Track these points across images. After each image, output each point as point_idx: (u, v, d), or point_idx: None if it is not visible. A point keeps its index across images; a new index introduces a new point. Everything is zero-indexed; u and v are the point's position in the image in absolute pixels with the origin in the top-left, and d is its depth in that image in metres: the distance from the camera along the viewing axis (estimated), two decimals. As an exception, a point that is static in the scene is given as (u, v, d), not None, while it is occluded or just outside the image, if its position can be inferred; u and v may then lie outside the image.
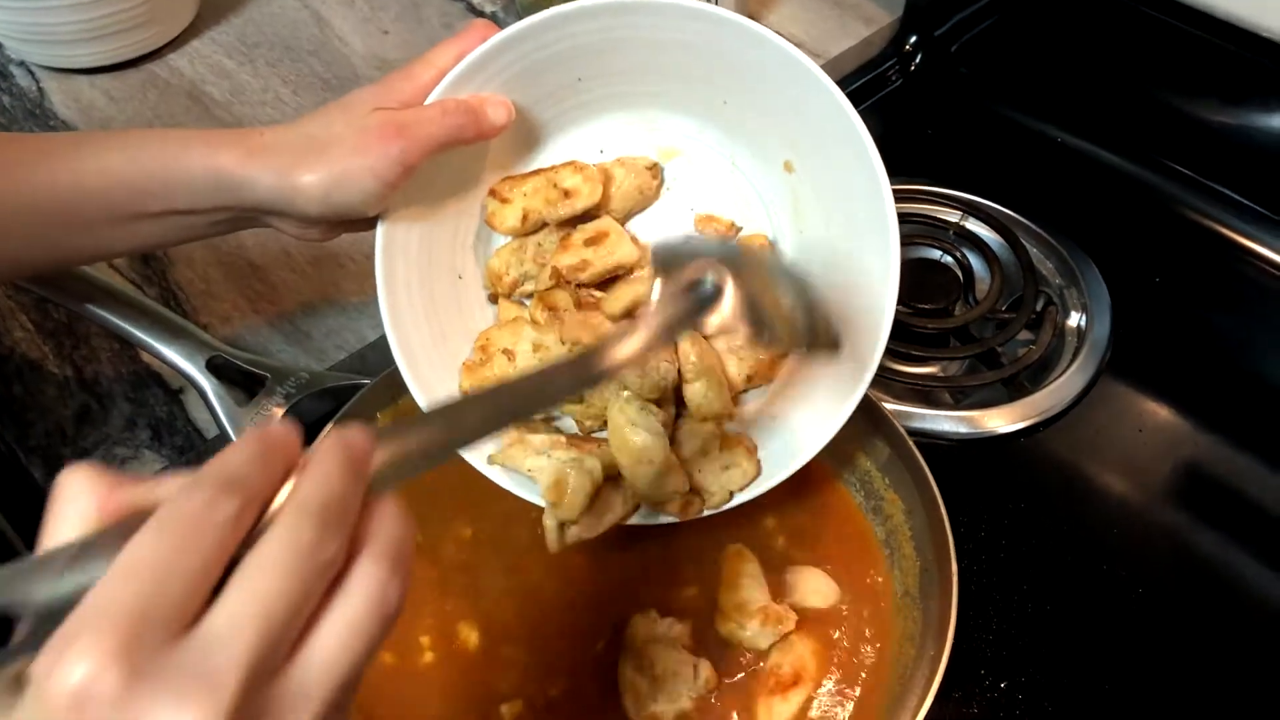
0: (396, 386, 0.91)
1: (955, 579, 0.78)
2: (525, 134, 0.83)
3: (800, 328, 0.68)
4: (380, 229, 0.77)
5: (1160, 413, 1.07)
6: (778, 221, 0.85)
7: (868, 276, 0.76)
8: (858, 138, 0.73)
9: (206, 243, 1.10)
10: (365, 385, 0.89)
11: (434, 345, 0.82)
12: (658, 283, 0.65)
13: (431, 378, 0.81)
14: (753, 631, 0.81)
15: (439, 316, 0.83)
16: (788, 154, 0.81)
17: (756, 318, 0.66)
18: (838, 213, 0.79)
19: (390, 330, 0.79)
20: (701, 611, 0.84)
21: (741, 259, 0.68)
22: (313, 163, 0.70)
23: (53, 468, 0.92)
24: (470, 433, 0.52)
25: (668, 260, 0.66)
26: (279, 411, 0.89)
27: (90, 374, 0.99)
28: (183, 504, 0.38)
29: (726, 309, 0.65)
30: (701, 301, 0.65)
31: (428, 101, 0.74)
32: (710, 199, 0.86)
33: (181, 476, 0.41)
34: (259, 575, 0.38)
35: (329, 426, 0.86)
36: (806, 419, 0.82)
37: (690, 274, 0.65)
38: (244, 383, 0.95)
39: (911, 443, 0.85)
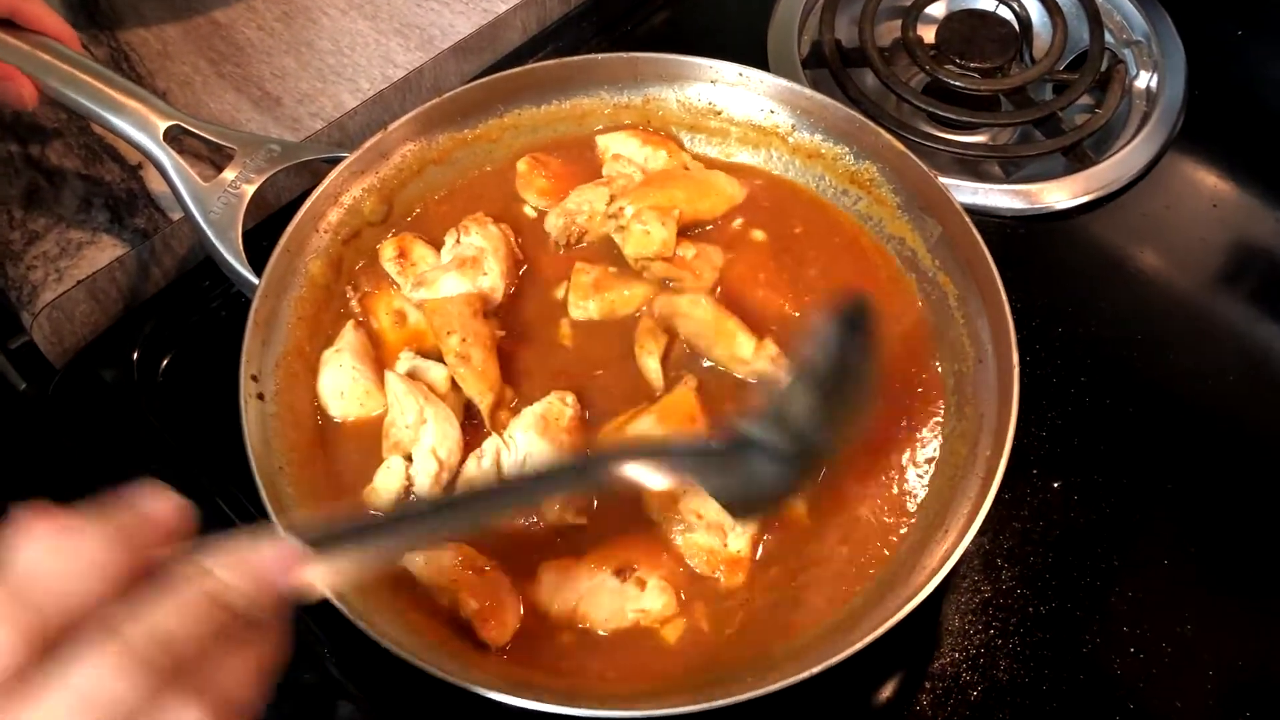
0: (380, 159, 0.81)
1: (1016, 372, 0.70)
2: None
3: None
4: None
5: (1236, 188, 0.96)
6: None
7: None
8: None
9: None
10: (345, 159, 0.79)
11: None
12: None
13: None
14: None
15: None
16: None
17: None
18: None
19: None
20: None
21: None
22: None
23: (2, 256, 0.82)
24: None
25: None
26: (249, 190, 0.78)
27: (36, 149, 0.88)
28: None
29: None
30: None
31: None
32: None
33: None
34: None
35: (301, 211, 0.76)
36: None
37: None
38: (208, 156, 0.84)
39: (969, 220, 0.75)
